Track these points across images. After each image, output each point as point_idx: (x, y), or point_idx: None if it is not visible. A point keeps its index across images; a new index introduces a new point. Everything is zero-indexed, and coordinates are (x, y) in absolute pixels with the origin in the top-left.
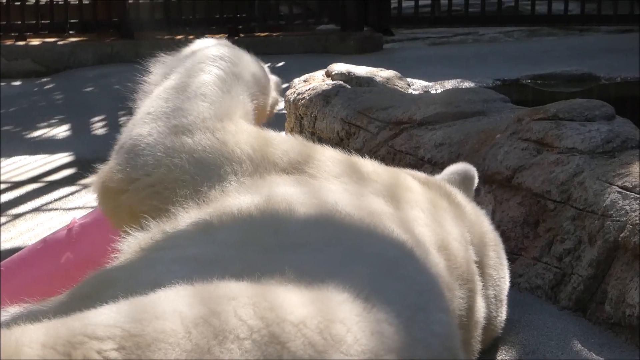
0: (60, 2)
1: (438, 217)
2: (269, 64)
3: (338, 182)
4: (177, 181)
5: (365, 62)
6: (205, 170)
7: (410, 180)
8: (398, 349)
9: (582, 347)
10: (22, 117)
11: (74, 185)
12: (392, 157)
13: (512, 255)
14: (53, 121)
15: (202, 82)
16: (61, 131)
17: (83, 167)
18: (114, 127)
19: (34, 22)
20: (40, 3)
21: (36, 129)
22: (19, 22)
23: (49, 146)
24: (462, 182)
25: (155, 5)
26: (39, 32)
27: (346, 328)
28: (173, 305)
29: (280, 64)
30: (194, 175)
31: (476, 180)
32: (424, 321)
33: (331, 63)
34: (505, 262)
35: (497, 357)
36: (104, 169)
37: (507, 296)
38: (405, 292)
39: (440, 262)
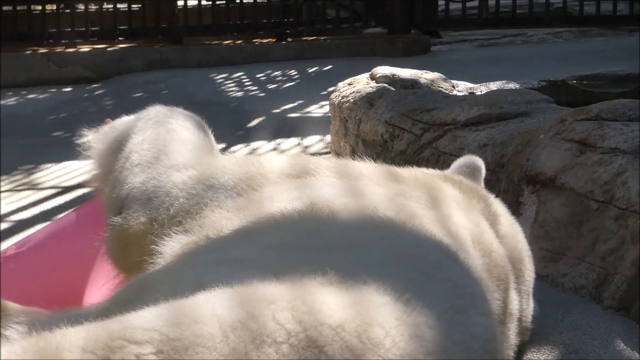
0: (109, 9)
1: (474, 217)
2: (316, 68)
3: (376, 184)
4: (199, 205)
5: (412, 64)
6: (222, 192)
7: (438, 182)
8: (436, 352)
9: (625, 347)
10: (72, 123)
11: None
12: (436, 159)
13: (556, 255)
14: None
15: (177, 129)
16: None
17: None
18: None
19: (84, 29)
20: (90, 10)
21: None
22: (69, 29)
23: None
24: (472, 173)
25: (203, 11)
26: (89, 39)
27: (385, 332)
28: (212, 309)
29: (327, 67)
30: (212, 199)
31: (483, 172)
32: (463, 324)
33: (378, 66)
34: (530, 255)
35: (540, 357)
36: (119, 221)
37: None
38: (445, 295)
39: (480, 263)
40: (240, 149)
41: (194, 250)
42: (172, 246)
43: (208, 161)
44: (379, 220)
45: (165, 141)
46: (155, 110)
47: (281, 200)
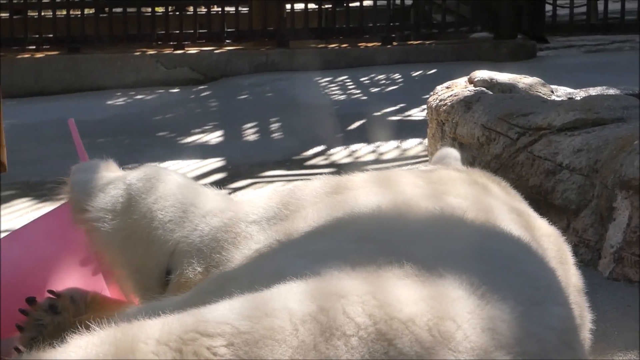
0: (217, 12)
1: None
2: (420, 72)
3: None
4: (246, 239)
5: (517, 69)
6: (265, 222)
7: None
8: (509, 345)
9: None
10: (177, 124)
11: (223, 189)
12: (530, 163)
13: None
14: (207, 127)
15: (186, 184)
16: (214, 137)
17: (232, 171)
18: (265, 134)
19: (192, 31)
20: (199, 13)
21: (190, 135)
22: (178, 32)
23: (202, 151)
24: (454, 164)
25: (310, 14)
26: (197, 41)
27: (456, 325)
28: (283, 303)
29: (432, 71)
30: (258, 231)
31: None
32: (539, 315)
33: (482, 70)
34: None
35: (625, 359)
36: (175, 278)
37: None
38: (521, 288)
39: (553, 255)
40: (339, 151)
41: (272, 248)
42: (249, 247)
43: (236, 202)
44: (458, 214)
45: (183, 195)
46: (152, 171)
47: (357, 201)
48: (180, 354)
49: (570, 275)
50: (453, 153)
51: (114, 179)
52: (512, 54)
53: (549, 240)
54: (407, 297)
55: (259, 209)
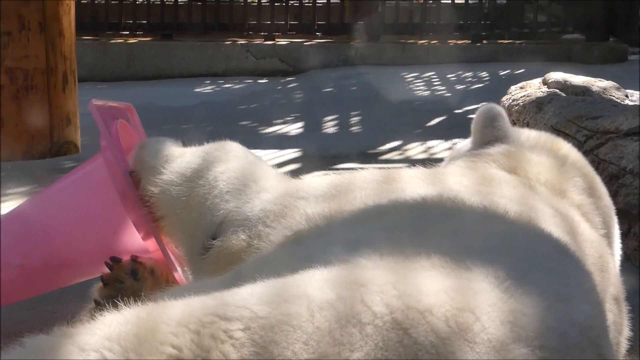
0: (309, 3)
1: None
2: (507, 71)
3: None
4: (293, 212)
5: (604, 72)
6: (313, 200)
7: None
8: (528, 338)
9: None
10: (261, 114)
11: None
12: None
13: None
14: (289, 118)
15: (257, 162)
16: (294, 128)
17: (307, 162)
18: (344, 127)
19: (283, 22)
20: (291, 4)
21: (272, 125)
22: (269, 22)
23: (280, 141)
24: (495, 121)
25: (401, 10)
26: (287, 32)
27: (475, 317)
28: (303, 289)
29: (520, 71)
30: (304, 206)
31: (503, 114)
32: (563, 311)
33: (572, 72)
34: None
35: None
36: (218, 244)
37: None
38: (549, 284)
39: (592, 262)
40: (415, 147)
41: (307, 234)
42: (285, 233)
43: (292, 181)
44: (498, 214)
45: (250, 171)
46: (231, 146)
47: (403, 192)
48: (198, 336)
49: (608, 283)
50: (494, 111)
51: (191, 149)
52: (603, 56)
53: (592, 247)
54: (428, 288)
55: (310, 187)
